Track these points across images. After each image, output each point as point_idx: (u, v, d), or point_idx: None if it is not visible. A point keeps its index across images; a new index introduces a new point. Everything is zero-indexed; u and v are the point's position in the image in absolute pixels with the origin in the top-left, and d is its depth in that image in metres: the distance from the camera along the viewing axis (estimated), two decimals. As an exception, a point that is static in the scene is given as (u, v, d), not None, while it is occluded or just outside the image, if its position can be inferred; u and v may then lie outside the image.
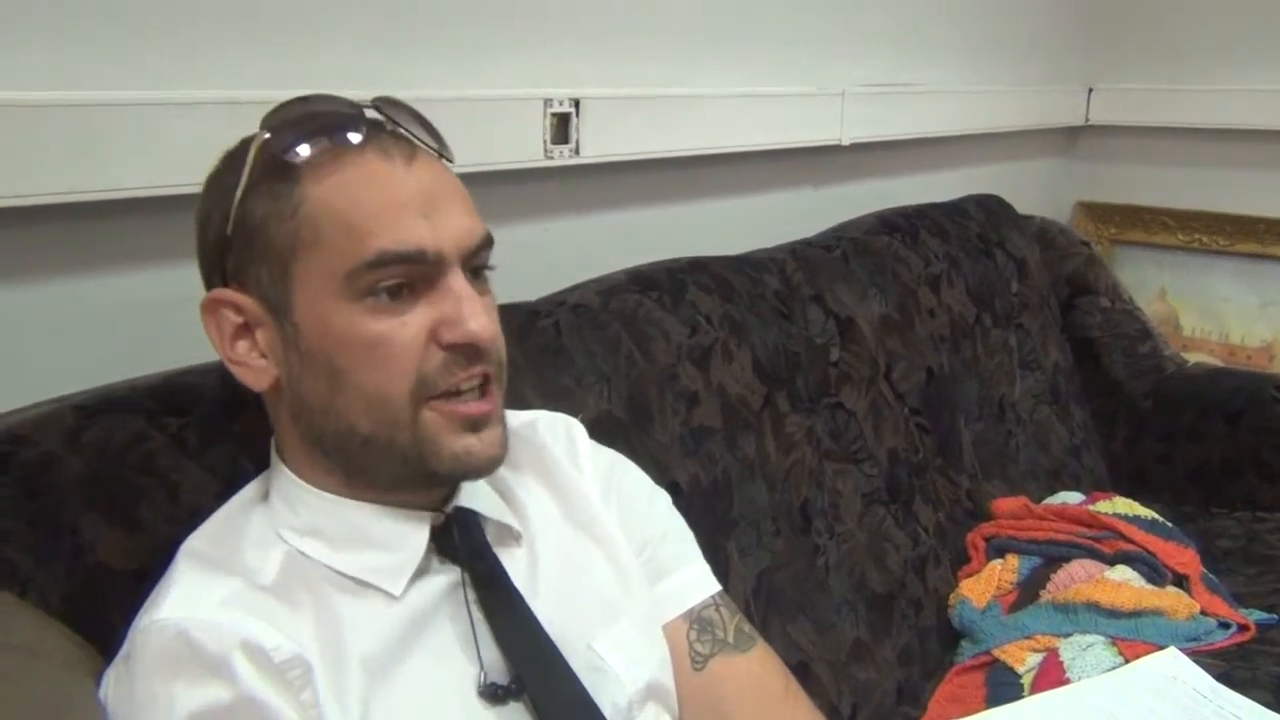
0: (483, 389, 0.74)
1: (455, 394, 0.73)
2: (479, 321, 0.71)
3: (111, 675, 0.69)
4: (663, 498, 0.95)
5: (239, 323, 0.74)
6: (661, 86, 1.49)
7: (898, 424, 1.51)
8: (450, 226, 0.72)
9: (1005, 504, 1.62)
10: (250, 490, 0.80)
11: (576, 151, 1.35)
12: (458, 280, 0.72)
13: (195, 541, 0.75)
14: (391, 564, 0.75)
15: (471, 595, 0.77)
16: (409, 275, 0.71)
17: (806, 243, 1.58)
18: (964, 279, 1.76)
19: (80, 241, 0.99)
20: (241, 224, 0.72)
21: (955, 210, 1.87)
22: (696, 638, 0.88)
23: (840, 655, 1.29)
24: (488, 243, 0.75)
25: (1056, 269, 2.03)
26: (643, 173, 1.52)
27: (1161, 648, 1.29)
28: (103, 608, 0.76)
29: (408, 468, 0.74)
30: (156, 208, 1.00)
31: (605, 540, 0.86)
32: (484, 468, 0.76)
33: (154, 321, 1.03)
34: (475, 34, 1.27)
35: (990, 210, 1.94)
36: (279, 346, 0.73)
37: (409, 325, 0.71)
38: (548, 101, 1.31)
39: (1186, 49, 2.30)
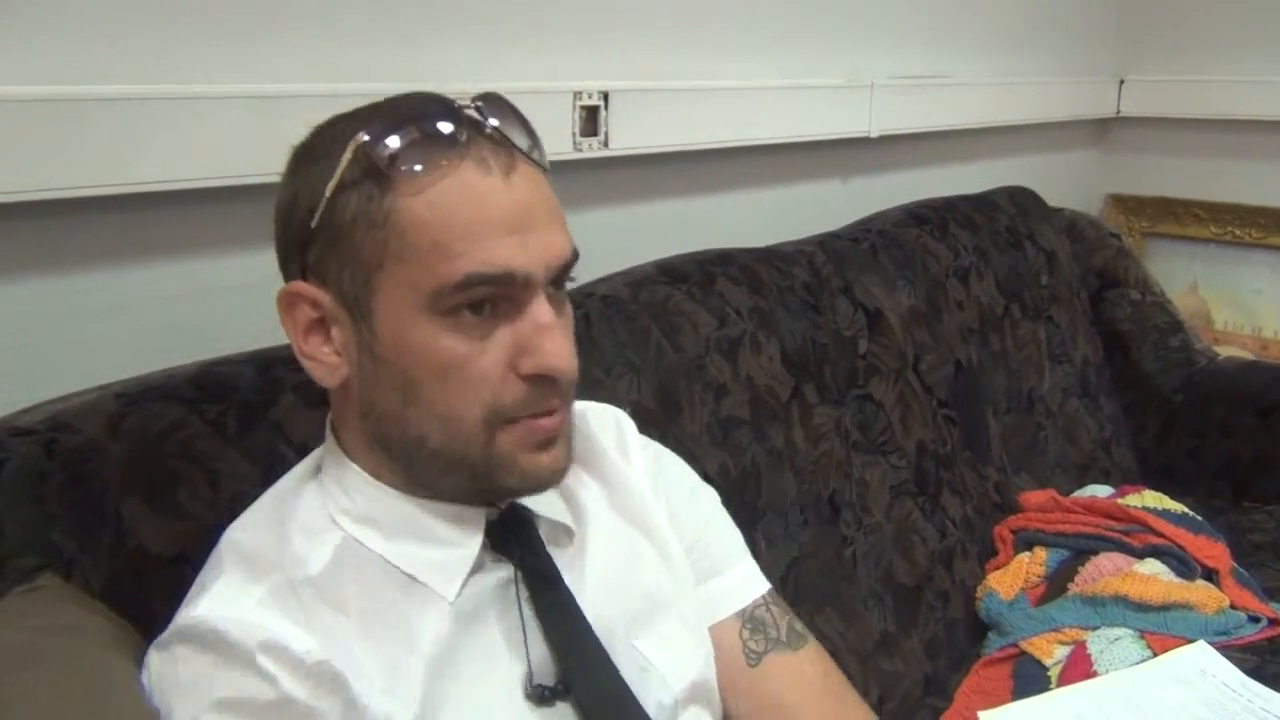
0: None
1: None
2: (558, 355, 0.70)
3: (152, 661, 0.70)
4: (709, 494, 0.94)
5: (315, 318, 0.72)
6: (689, 79, 1.50)
7: (926, 416, 1.51)
8: (541, 245, 0.70)
9: (1033, 497, 1.61)
10: (301, 469, 0.79)
11: (605, 144, 1.35)
12: (541, 306, 0.71)
13: (240, 531, 0.74)
14: (446, 561, 0.74)
15: (523, 593, 0.76)
16: (494, 295, 0.69)
17: (835, 235, 1.58)
18: (993, 271, 1.75)
19: (114, 234, 1.00)
20: (328, 221, 0.70)
21: (984, 202, 1.86)
22: (750, 636, 0.87)
23: (867, 646, 1.29)
24: (574, 259, 0.74)
25: (1086, 262, 2.01)
26: (671, 165, 1.52)
27: (1190, 641, 1.29)
28: (143, 591, 0.78)
29: (474, 483, 0.74)
30: (188, 200, 1.02)
31: (654, 534, 0.85)
32: (551, 481, 0.75)
33: (186, 312, 1.05)
34: (504, 27, 1.27)
35: (1020, 203, 1.93)
36: (354, 348, 0.72)
37: (488, 352, 0.70)
38: (577, 94, 1.31)
39: (1218, 40, 2.27)
